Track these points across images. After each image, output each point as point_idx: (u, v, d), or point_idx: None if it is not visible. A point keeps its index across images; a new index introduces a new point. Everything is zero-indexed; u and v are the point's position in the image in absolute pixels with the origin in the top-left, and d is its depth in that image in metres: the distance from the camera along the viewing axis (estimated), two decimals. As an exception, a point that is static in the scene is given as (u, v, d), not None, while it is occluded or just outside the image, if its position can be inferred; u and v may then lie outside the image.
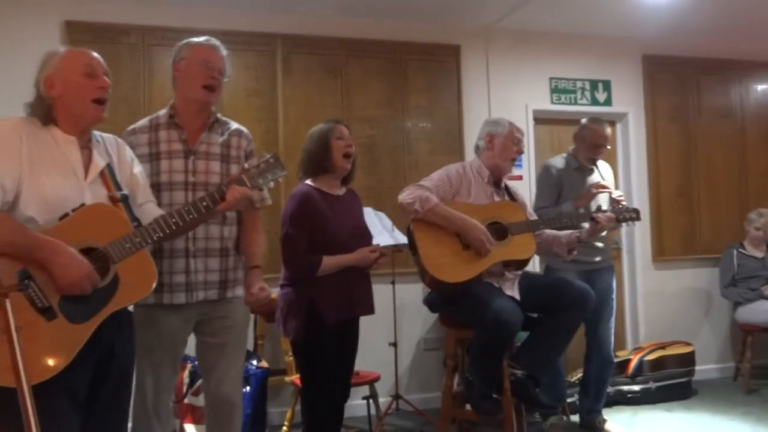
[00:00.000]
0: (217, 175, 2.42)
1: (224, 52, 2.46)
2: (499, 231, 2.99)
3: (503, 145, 3.14)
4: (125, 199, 2.02)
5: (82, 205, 1.88)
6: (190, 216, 2.02)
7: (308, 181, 2.80)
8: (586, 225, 3.26)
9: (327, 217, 2.69)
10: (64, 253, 1.77)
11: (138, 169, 2.18)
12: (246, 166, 2.19)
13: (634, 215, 3.28)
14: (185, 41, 2.45)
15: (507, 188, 3.26)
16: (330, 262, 2.66)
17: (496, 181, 3.20)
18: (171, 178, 2.36)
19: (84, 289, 1.80)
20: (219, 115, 2.51)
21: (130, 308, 2.07)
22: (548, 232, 3.18)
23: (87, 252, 1.85)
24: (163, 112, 2.46)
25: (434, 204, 2.93)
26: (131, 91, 4.03)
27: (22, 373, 1.57)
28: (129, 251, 1.89)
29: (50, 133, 1.94)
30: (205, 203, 2.04)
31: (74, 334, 1.79)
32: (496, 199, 3.13)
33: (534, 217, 3.23)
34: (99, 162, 2.00)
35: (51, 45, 3.88)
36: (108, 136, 2.15)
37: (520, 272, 3.10)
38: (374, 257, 2.75)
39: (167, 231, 1.97)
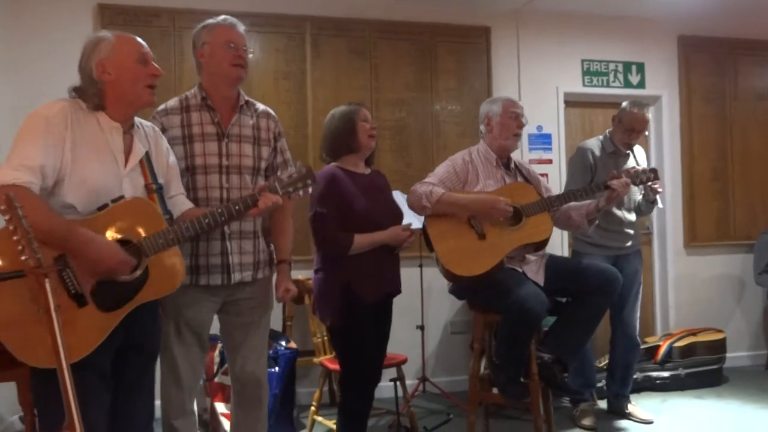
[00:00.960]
0: (249, 158, 2.44)
1: (242, 27, 2.46)
2: (514, 215, 2.95)
3: (501, 124, 3.08)
4: (160, 189, 2.07)
5: (122, 197, 1.93)
6: (222, 218, 2.08)
7: (333, 163, 2.79)
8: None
9: (355, 194, 2.68)
10: (95, 243, 1.81)
11: (173, 159, 2.22)
12: (279, 174, 2.23)
13: (651, 175, 3.11)
14: (202, 25, 2.44)
15: (518, 167, 3.19)
16: (361, 240, 2.64)
17: (506, 162, 3.14)
18: (206, 161, 2.38)
19: (122, 272, 1.86)
20: (246, 97, 2.53)
21: None
22: (566, 205, 3.09)
23: (121, 244, 1.89)
24: (191, 93, 2.47)
25: (440, 194, 2.89)
26: (165, 74, 4.07)
27: (62, 350, 1.62)
28: (161, 247, 1.95)
29: (96, 118, 1.96)
30: (237, 207, 2.10)
31: (102, 321, 1.85)
32: (508, 181, 3.07)
33: (550, 192, 3.16)
34: (139, 149, 2.04)
35: (84, 28, 3.98)
36: (146, 124, 2.18)
37: (542, 253, 3.05)
38: (406, 235, 2.72)
39: (199, 231, 2.04)
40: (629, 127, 3.67)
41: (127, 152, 2.00)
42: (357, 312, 2.64)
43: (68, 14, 4.01)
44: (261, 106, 2.57)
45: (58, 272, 1.77)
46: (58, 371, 1.61)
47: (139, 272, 1.91)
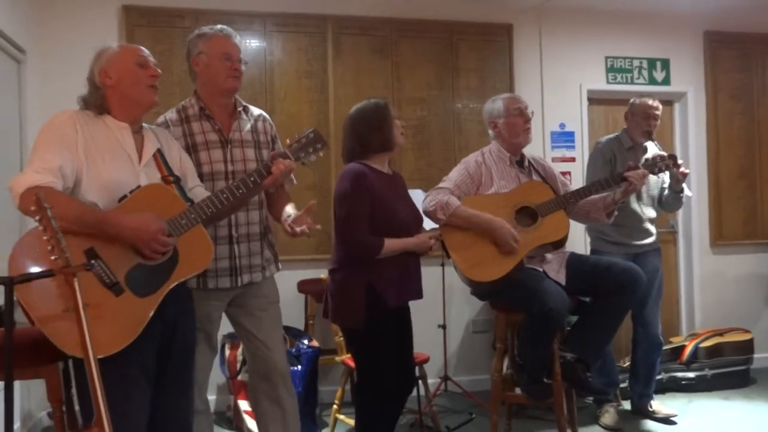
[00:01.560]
0: (253, 162, 2.47)
1: (238, 38, 2.48)
2: (529, 215, 2.91)
3: (507, 124, 3.05)
4: (178, 181, 2.12)
5: (139, 186, 1.99)
6: (240, 191, 2.11)
7: (358, 161, 2.65)
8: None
9: (384, 195, 2.58)
10: (128, 220, 1.88)
11: (185, 156, 2.28)
12: (288, 141, 2.24)
13: (670, 162, 3.00)
14: (197, 33, 2.47)
15: (532, 165, 3.14)
16: (391, 245, 2.53)
17: (519, 160, 3.11)
18: (212, 169, 2.41)
19: (165, 242, 1.92)
20: (243, 102, 2.56)
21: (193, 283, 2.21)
22: (583, 199, 3.04)
23: None
24: (188, 102, 2.50)
25: (455, 207, 2.86)
26: (185, 74, 4.10)
27: (89, 347, 1.66)
28: (185, 227, 2.00)
29: (104, 122, 2.05)
30: (252, 178, 2.14)
31: (141, 307, 1.89)
32: (522, 179, 3.03)
33: (567, 187, 3.12)
34: (151, 146, 2.11)
35: (109, 29, 4.04)
36: (155, 128, 2.27)
37: (562, 251, 3.02)
38: (432, 244, 2.65)
39: (219, 206, 2.07)
40: (644, 114, 3.69)
41: (139, 149, 2.08)
42: (378, 315, 2.53)
43: (93, 16, 4.07)
44: (256, 110, 2.61)
45: (90, 266, 1.81)
46: (87, 370, 1.65)
47: (168, 255, 1.96)
